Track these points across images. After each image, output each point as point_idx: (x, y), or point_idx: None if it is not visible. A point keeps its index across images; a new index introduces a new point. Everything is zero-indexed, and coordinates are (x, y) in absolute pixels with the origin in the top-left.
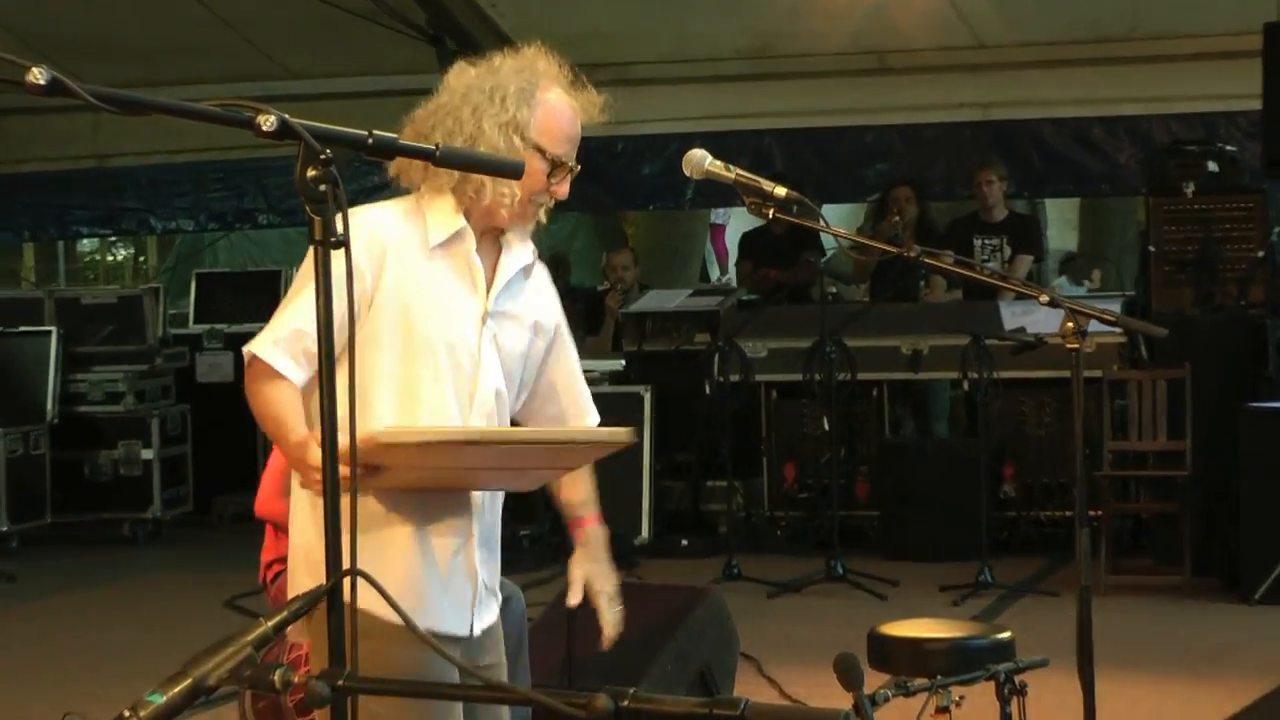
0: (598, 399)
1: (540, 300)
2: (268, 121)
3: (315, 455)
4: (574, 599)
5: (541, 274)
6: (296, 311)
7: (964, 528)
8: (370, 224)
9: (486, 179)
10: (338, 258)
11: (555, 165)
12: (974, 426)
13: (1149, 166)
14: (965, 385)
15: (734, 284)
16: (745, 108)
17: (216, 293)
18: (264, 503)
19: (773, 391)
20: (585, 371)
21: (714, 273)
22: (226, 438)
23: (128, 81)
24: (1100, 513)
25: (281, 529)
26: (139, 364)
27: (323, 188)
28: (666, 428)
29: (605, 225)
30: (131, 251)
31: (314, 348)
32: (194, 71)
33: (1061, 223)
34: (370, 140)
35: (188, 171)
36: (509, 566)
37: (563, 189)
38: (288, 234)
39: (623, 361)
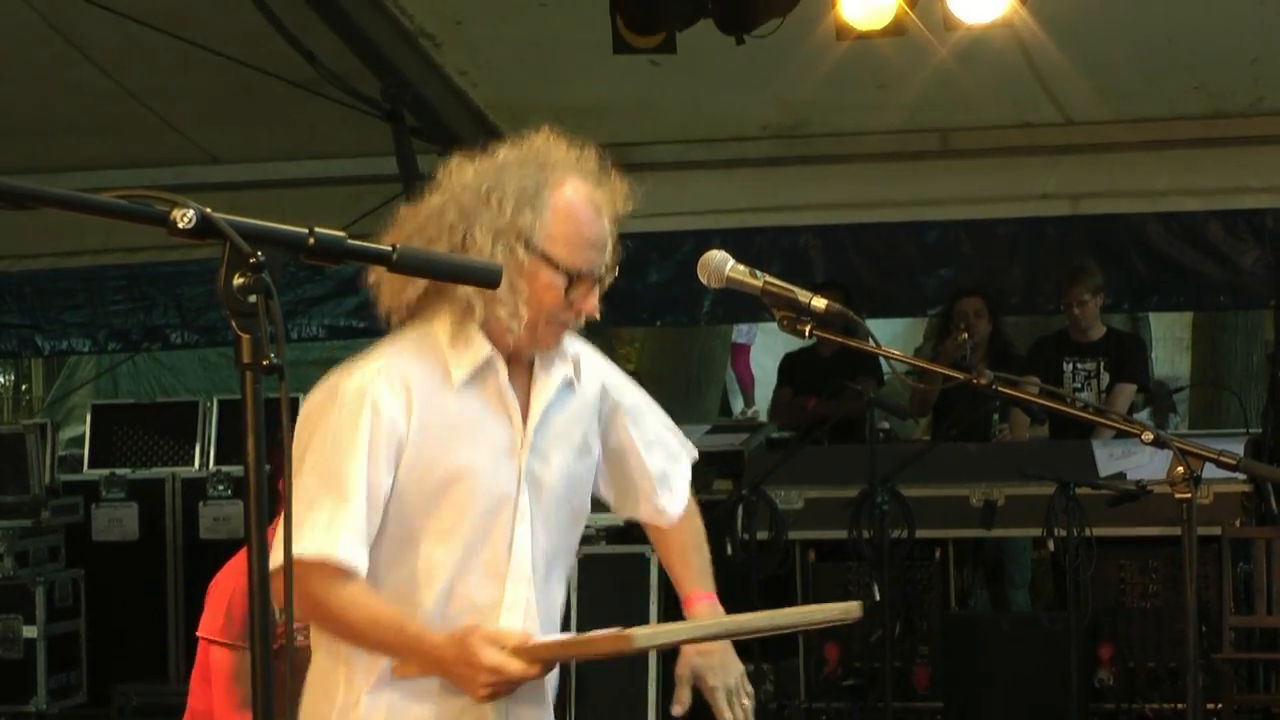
0: (593, 559)
1: (588, 407)
2: (184, 216)
3: (488, 655)
4: (680, 706)
5: (589, 367)
6: (349, 488)
7: None
8: (387, 365)
9: (475, 299)
10: (382, 408)
11: (574, 278)
12: (1062, 596)
13: None
14: (1050, 545)
15: (761, 417)
16: (775, 199)
17: (118, 429)
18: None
19: (810, 552)
20: None
21: (737, 404)
22: (129, 611)
23: (9, 167)
24: (1220, 706)
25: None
26: (20, 519)
27: (252, 299)
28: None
29: (597, 345)
30: (11, 378)
31: (376, 520)
32: (93, 155)
33: (1170, 342)
34: (311, 239)
35: (83, 278)
36: None
37: (591, 304)
38: (207, 356)
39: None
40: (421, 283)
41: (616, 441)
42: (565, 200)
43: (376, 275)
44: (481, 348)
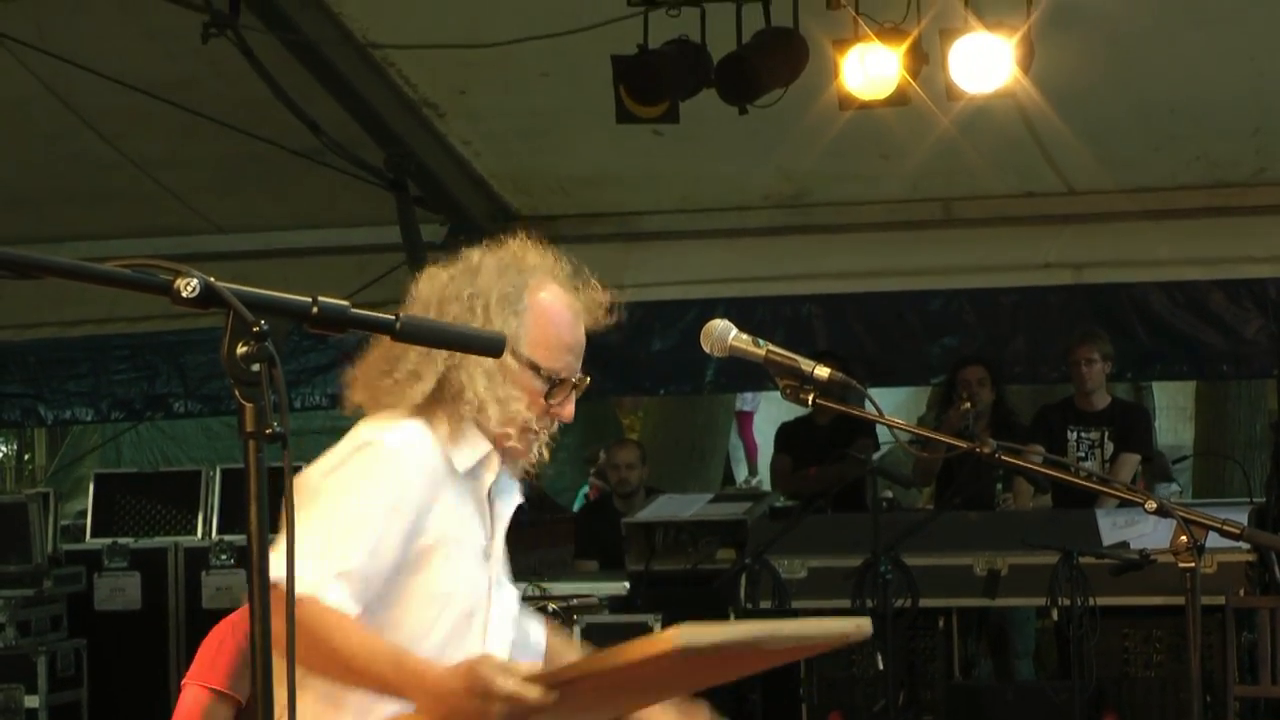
0: (596, 628)
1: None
2: (188, 285)
3: (503, 683)
4: None
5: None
6: (355, 536)
7: None
8: (424, 437)
9: (489, 400)
10: (415, 477)
11: (555, 383)
12: (1066, 666)
13: None
14: (1054, 614)
15: (765, 486)
16: (778, 268)
17: (120, 498)
18: None
19: None
20: (581, 596)
21: (740, 473)
22: (132, 680)
23: (12, 237)
24: None
25: None
26: (22, 588)
27: (256, 368)
28: None
29: (599, 415)
30: (14, 447)
31: (376, 582)
32: (96, 224)
33: (1173, 411)
34: (315, 309)
35: (86, 348)
36: None
37: (567, 410)
38: (210, 425)
39: (626, 584)
40: (429, 385)
41: None
42: (545, 305)
43: (358, 371)
44: (481, 443)
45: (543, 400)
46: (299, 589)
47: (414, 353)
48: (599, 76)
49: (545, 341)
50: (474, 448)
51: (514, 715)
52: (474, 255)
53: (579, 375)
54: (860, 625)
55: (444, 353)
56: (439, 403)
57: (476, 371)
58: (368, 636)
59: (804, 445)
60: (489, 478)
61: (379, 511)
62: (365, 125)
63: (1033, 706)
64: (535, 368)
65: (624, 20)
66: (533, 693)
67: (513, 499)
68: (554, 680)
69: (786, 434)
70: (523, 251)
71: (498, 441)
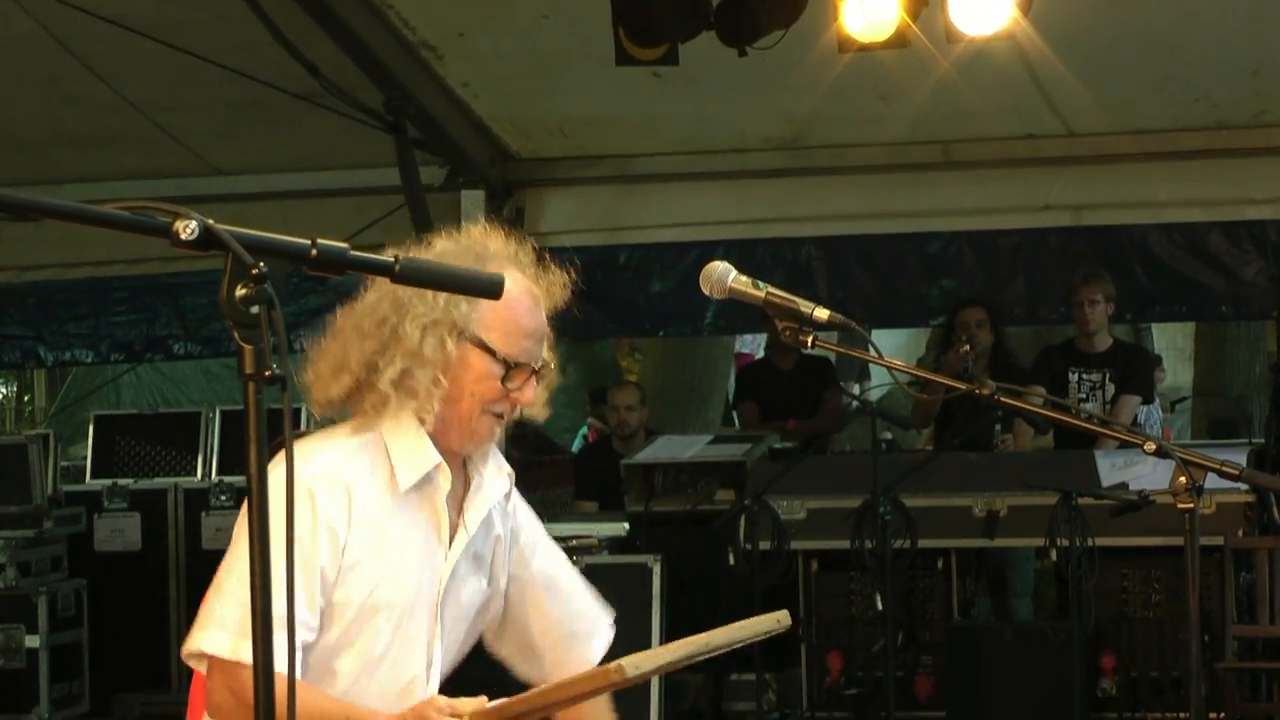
0: (595, 569)
1: (504, 540)
2: (187, 228)
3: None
4: None
5: (514, 499)
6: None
7: None
8: (329, 467)
9: (394, 392)
10: (321, 511)
11: (511, 367)
12: (1064, 606)
13: None
14: (1053, 554)
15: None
16: (778, 210)
17: (120, 440)
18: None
19: (813, 562)
20: (581, 536)
21: None
22: (132, 620)
23: (12, 179)
24: (1223, 715)
25: None
26: (22, 529)
27: (255, 310)
28: (681, 607)
29: (601, 357)
30: (14, 389)
31: (311, 625)
32: (95, 167)
33: (1173, 353)
34: (314, 251)
35: (86, 289)
36: None
37: (526, 395)
38: (209, 367)
39: (626, 525)
40: (346, 380)
41: (519, 592)
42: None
43: (310, 374)
44: (429, 454)
45: (500, 384)
46: (230, 656)
47: (356, 350)
48: (598, 19)
49: (501, 325)
50: (420, 461)
51: None
52: (437, 242)
53: (540, 361)
54: (780, 619)
55: (396, 351)
56: (389, 404)
57: (421, 372)
58: (312, 695)
59: (767, 390)
60: (443, 485)
61: (301, 557)
62: (364, 68)
63: (1031, 646)
64: (491, 352)
65: None
66: None
67: (486, 500)
68: (498, 716)
69: (748, 379)
70: (484, 238)
71: (442, 429)
